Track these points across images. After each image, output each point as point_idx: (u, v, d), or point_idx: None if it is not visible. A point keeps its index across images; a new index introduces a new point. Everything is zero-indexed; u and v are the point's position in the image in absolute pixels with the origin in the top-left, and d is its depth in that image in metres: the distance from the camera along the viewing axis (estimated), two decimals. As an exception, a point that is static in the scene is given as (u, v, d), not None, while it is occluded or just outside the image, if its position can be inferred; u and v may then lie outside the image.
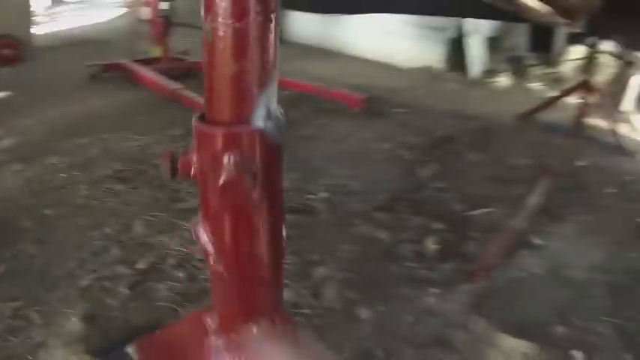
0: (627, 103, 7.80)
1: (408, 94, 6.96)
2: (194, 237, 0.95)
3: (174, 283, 2.60)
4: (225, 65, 0.76)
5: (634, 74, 7.69)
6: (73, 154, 3.92)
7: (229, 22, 0.76)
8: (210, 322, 1.10)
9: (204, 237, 0.89)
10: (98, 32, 11.64)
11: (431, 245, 3.09)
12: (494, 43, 8.74)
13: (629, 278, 3.16)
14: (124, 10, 14.85)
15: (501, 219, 3.57)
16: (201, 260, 2.69)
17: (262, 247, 0.92)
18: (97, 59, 7.07)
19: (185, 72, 6.85)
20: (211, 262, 0.93)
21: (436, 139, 4.89)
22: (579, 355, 2.43)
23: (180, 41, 7.44)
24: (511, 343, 2.45)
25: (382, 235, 3.18)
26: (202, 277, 2.63)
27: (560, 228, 3.63)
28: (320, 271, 2.73)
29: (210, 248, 0.90)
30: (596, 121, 6.43)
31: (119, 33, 11.02)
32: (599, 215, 3.93)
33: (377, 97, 6.11)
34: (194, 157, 0.85)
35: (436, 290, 2.72)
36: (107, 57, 7.31)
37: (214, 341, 1.09)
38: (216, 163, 0.79)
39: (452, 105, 6.56)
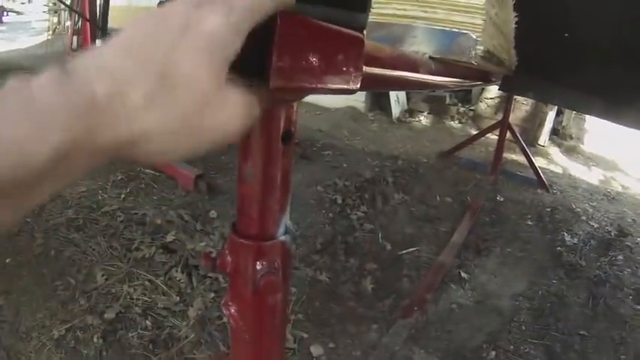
0: (543, 138, 8.34)
1: (334, 134, 7.27)
2: (224, 312, 1.24)
3: (143, 331, 2.73)
4: (258, 199, 1.07)
5: (548, 111, 8.25)
6: None
7: (269, 170, 1.05)
8: None
9: (232, 312, 1.18)
10: (23, 59, 11.43)
11: (368, 285, 3.36)
12: (413, 84, 9.13)
13: (551, 302, 3.55)
14: (46, 36, 14.75)
15: (429, 256, 3.90)
16: (165, 309, 2.89)
17: (277, 322, 1.23)
18: None
19: None
20: (237, 331, 1.22)
21: (363, 181, 5.16)
22: (510, 376, 2.73)
23: None
24: (449, 370, 2.74)
25: (323, 277, 3.43)
26: (167, 324, 2.80)
27: (486, 261, 3.98)
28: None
29: (237, 321, 1.19)
30: (514, 157, 6.91)
31: (43, 62, 11.00)
32: (520, 246, 4.32)
33: (304, 139, 6.41)
34: (228, 259, 1.13)
35: (377, 326, 3.00)
36: None
37: None
38: (250, 267, 1.09)
39: (376, 145, 6.89)
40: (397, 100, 8.78)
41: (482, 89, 9.06)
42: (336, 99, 8.69)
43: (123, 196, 4.21)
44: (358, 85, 1.11)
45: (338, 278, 3.43)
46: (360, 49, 1.08)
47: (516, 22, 2.63)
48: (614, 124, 5.01)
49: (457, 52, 1.96)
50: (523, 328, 3.21)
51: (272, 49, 0.79)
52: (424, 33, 2.01)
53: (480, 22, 1.94)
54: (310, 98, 8.57)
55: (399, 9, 2.05)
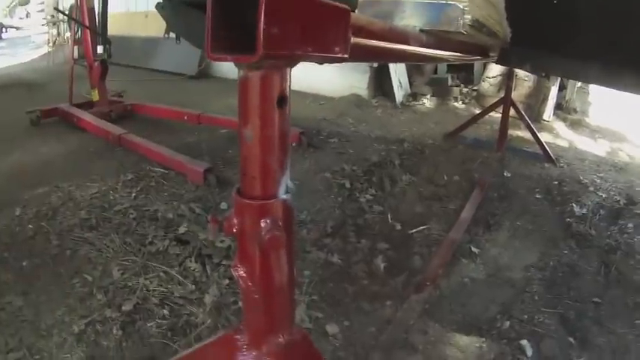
0: (547, 113, 8.33)
1: (339, 122, 7.32)
2: (234, 274, 1.27)
3: (161, 320, 2.76)
4: (258, 159, 1.11)
5: (551, 86, 8.23)
6: (35, 205, 3.99)
7: (266, 133, 1.12)
8: (241, 338, 1.38)
9: (241, 273, 1.23)
10: (25, 73, 11.52)
11: (380, 264, 3.39)
12: (416, 67, 9.14)
13: (562, 272, 3.56)
14: (47, 49, 14.81)
15: (439, 233, 3.93)
16: (181, 297, 2.92)
17: (285, 278, 1.28)
18: (31, 103, 7.07)
19: (123, 114, 7.01)
20: (247, 292, 1.26)
21: (370, 165, 5.19)
22: (525, 343, 2.75)
23: (114, 81, 7.59)
24: (465, 340, 2.77)
25: (335, 259, 3.45)
26: (184, 312, 2.83)
27: (496, 235, 4.00)
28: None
29: (246, 282, 1.23)
30: (520, 133, 6.91)
31: (46, 74, 11.09)
32: (530, 219, 4.34)
33: (311, 128, 6.43)
34: (234, 221, 1.18)
35: (391, 302, 3.02)
36: (41, 100, 7.32)
37: (246, 355, 1.37)
38: (255, 226, 1.18)
39: (381, 130, 6.93)
40: (400, 84, 8.80)
41: (484, 69, 9.06)
42: (340, 88, 8.72)
43: (134, 194, 4.25)
44: (347, 54, 1.17)
45: (350, 259, 3.45)
46: (346, 20, 1.15)
47: None
48: (612, 89, 5.04)
49: (445, 23, 1.99)
50: (536, 298, 3.21)
51: (260, 17, 0.86)
52: (413, 7, 2.03)
53: None
54: (313, 89, 8.64)
55: None
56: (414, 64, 8.93)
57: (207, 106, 7.28)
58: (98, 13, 7.04)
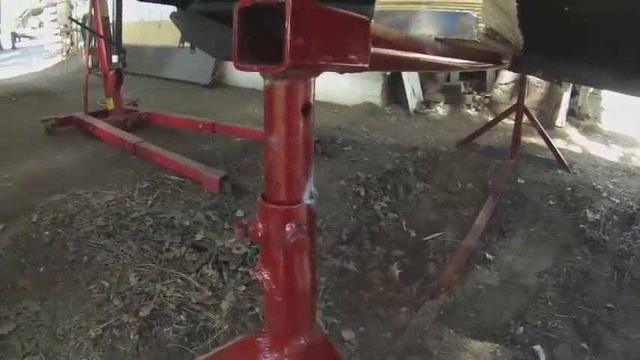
0: (560, 119, 8.34)
1: (353, 130, 7.36)
2: (257, 277, 1.32)
3: (178, 326, 2.80)
4: (283, 165, 1.18)
5: (563, 92, 8.24)
6: (52, 211, 4.02)
7: (290, 140, 1.16)
8: (263, 341, 1.43)
9: (265, 276, 1.28)
10: (39, 81, 11.60)
11: (395, 270, 3.42)
12: (428, 75, 9.18)
13: (576, 278, 3.58)
14: (60, 58, 14.92)
15: (453, 240, 3.96)
16: (198, 303, 2.97)
17: (307, 282, 1.32)
18: (45, 111, 7.12)
19: (138, 122, 7.06)
20: (271, 295, 1.31)
21: (384, 173, 5.23)
22: (539, 348, 2.77)
23: (128, 89, 7.62)
24: (479, 345, 2.80)
25: (351, 266, 3.49)
26: (201, 318, 2.87)
27: (510, 241, 4.03)
28: (303, 304, 3.00)
29: (270, 285, 1.28)
30: (533, 140, 6.93)
31: (59, 83, 11.17)
32: (544, 225, 4.36)
33: (325, 136, 6.46)
34: (260, 225, 1.23)
35: (406, 309, 3.06)
36: (55, 108, 7.37)
37: (268, 358, 1.42)
38: (280, 230, 1.20)
39: (395, 138, 6.97)
40: (413, 92, 8.83)
41: (497, 76, 9.08)
42: (353, 96, 8.76)
43: (150, 202, 4.30)
44: (367, 64, 1.22)
45: (365, 266, 3.49)
46: (366, 31, 1.20)
47: (518, 1, 2.68)
48: (624, 94, 5.05)
49: (460, 32, 2.01)
50: (550, 304, 3.24)
51: (286, 29, 0.92)
52: (428, 16, 2.07)
53: (480, 0, 1.99)
54: (327, 97, 8.68)
55: None
56: (427, 72, 8.97)
57: (222, 114, 7.32)
58: (112, 22, 7.11)
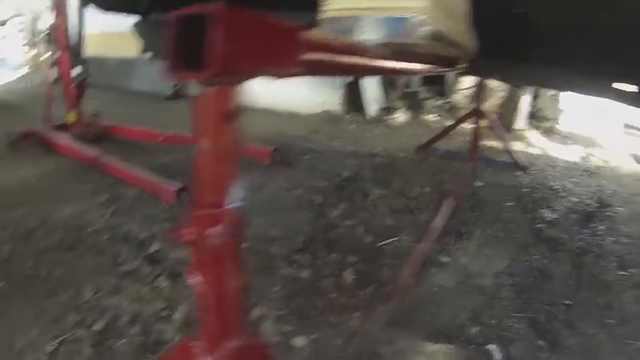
0: (520, 122, 8.46)
1: (313, 138, 7.40)
2: (189, 282, 1.35)
3: (132, 338, 2.79)
4: (212, 170, 1.25)
5: (522, 95, 8.37)
6: (11, 226, 4.01)
7: (216, 146, 1.22)
8: (198, 346, 1.45)
9: (197, 281, 1.31)
10: (2, 94, 11.42)
11: (349, 277, 3.44)
12: (389, 82, 9.25)
13: (533, 277, 3.64)
14: (25, 70, 14.75)
15: (410, 244, 3.98)
16: (152, 315, 2.96)
17: (235, 284, 1.35)
18: (7, 125, 7.01)
19: (100, 135, 7.00)
20: (201, 298, 1.34)
21: (342, 180, 5.26)
22: (493, 347, 2.81)
23: (91, 101, 7.50)
24: (433, 347, 2.82)
25: (304, 273, 3.50)
26: (155, 329, 2.85)
27: (467, 244, 4.07)
28: (256, 312, 3.01)
29: (202, 288, 1.31)
30: (491, 143, 7.01)
31: (24, 95, 11.03)
32: (501, 227, 4.42)
33: (284, 145, 6.45)
34: (190, 230, 1.26)
35: (359, 314, 3.07)
36: (18, 122, 7.20)
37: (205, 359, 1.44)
38: (207, 233, 1.25)
39: (354, 145, 7.02)
40: (373, 99, 8.88)
41: (457, 81, 9.19)
42: (313, 105, 8.80)
43: (108, 215, 4.29)
44: (298, 70, 1.27)
45: (319, 273, 3.49)
46: (296, 37, 1.24)
47: (474, 3, 2.72)
48: (579, 94, 5.14)
49: (404, 36, 2.04)
50: (506, 303, 3.28)
51: (210, 36, 0.96)
52: (372, 22, 2.09)
53: (424, 4, 2.02)
54: (287, 106, 8.72)
55: (348, 2, 2.14)
56: (387, 79, 9.04)
57: (183, 126, 7.28)
58: (75, 33, 7.05)
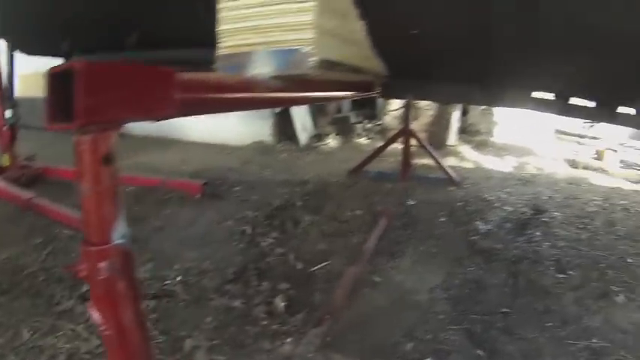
0: (451, 138, 8.59)
1: (244, 170, 7.37)
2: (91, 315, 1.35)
3: None
4: (93, 210, 1.31)
5: (452, 111, 8.52)
6: None
7: (96, 187, 1.28)
8: None
9: (96, 314, 1.31)
10: None
11: (279, 303, 3.41)
12: (318, 108, 9.31)
13: (469, 289, 3.66)
14: None
15: (341, 268, 3.95)
16: (87, 352, 2.94)
17: (132, 314, 1.35)
18: None
19: (35, 178, 6.83)
20: (101, 330, 1.33)
21: (273, 209, 5.23)
22: (428, 360, 2.80)
23: (24, 143, 7.37)
24: (367, 367, 2.80)
25: (236, 303, 3.47)
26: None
27: (399, 262, 4.10)
28: (189, 343, 3.00)
29: (99, 321, 1.32)
30: (424, 161, 7.09)
31: None
32: (434, 243, 4.47)
33: (215, 178, 6.44)
34: (83, 266, 1.28)
35: (291, 339, 3.04)
36: None
37: None
38: (96, 269, 1.31)
39: (285, 174, 7.01)
40: (303, 127, 8.92)
41: (387, 103, 9.31)
42: (244, 136, 8.83)
43: (43, 257, 4.22)
44: (175, 111, 1.30)
45: (251, 302, 3.47)
46: (170, 81, 1.29)
47: (370, 29, 2.75)
48: (493, 107, 5.24)
49: (293, 68, 2.08)
50: (441, 317, 3.30)
51: (75, 90, 0.99)
52: (263, 56, 2.13)
53: (311, 36, 2.05)
54: (219, 139, 8.72)
55: (242, 39, 2.18)
56: (317, 105, 9.11)
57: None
58: (4, 73, 6.92)
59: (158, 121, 1.39)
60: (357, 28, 2.69)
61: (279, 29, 2.07)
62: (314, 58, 2.04)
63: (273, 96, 2.06)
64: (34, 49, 5.61)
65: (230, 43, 2.19)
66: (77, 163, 1.29)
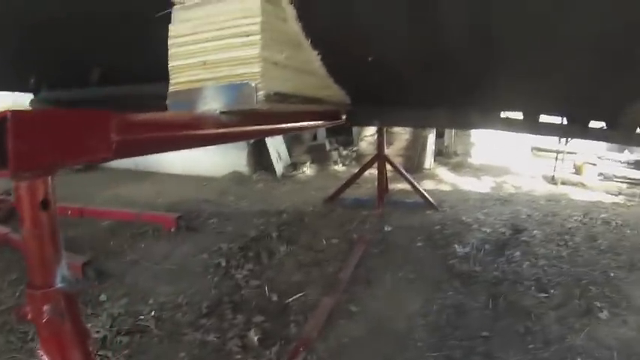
0: (428, 161, 8.63)
1: (220, 201, 7.35)
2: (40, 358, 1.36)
3: None
4: (34, 254, 1.31)
5: (428, 135, 8.57)
6: None
7: (35, 232, 1.30)
8: None
9: (42, 356, 1.32)
10: None
11: (253, 337, 3.38)
12: (293, 137, 9.34)
13: (447, 314, 3.65)
14: None
15: (317, 298, 3.94)
16: None
17: (80, 356, 1.38)
18: None
19: (11, 213, 6.78)
20: None
21: (248, 241, 5.22)
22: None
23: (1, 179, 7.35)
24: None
25: (211, 337, 3.44)
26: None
27: (376, 290, 4.07)
28: (162, 378, 2.97)
29: None
30: (401, 186, 7.10)
31: None
32: (412, 268, 4.45)
33: (191, 210, 6.44)
34: (28, 309, 1.32)
35: (263, 374, 3.01)
36: None
37: None
38: (38, 313, 1.31)
39: (261, 204, 7.00)
40: (279, 157, 8.95)
41: (362, 129, 9.34)
42: (220, 167, 8.86)
43: (18, 293, 4.19)
44: (112, 154, 1.31)
45: (225, 336, 3.45)
46: (106, 124, 1.34)
47: (324, 58, 2.76)
48: (463, 130, 5.26)
49: (242, 102, 2.10)
50: (419, 344, 3.28)
51: (6, 138, 1.07)
52: (212, 92, 2.15)
53: (258, 69, 2.06)
54: (195, 171, 8.71)
55: (192, 75, 2.20)
56: (293, 135, 9.14)
57: (93, 198, 7.25)
58: None
59: (99, 163, 1.43)
60: (312, 57, 2.69)
61: (227, 64, 2.08)
62: (262, 92, 2.05)
63: (221, 132, 2.07)
64: (2, 84, 5.63)
65: (181, 80, 2.20)
66: (17, 208, 1.30)
